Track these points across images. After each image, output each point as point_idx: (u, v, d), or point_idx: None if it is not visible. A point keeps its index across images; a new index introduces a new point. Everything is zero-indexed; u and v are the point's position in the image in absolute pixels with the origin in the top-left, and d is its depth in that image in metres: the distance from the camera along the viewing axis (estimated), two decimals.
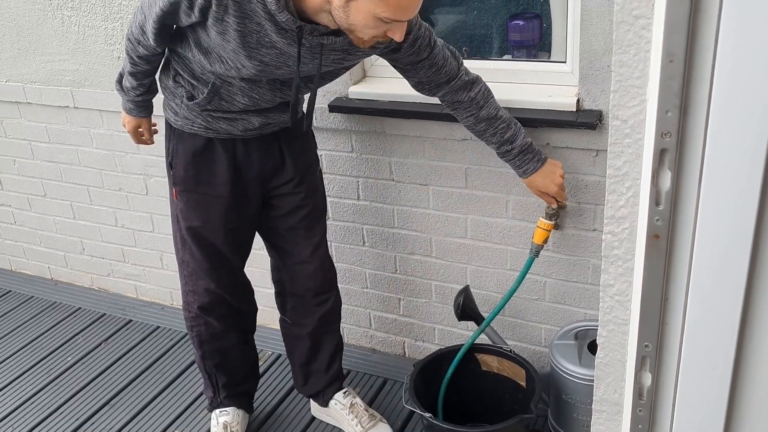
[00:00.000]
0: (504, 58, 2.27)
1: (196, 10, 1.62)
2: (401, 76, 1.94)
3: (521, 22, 2.20)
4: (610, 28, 1.85)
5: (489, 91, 1.93)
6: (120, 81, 2.00)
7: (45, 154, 3.09)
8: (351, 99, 2.33)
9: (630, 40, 0.86)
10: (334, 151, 2.43)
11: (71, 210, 3.19)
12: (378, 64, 2.34)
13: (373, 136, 2.36)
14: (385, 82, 2.32)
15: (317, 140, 2.24)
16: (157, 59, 1.90)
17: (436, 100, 1.99)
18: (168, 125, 1.99)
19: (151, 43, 1.78)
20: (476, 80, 1.92)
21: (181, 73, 1.88)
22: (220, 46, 1.70)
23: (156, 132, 2.18)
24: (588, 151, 2.05)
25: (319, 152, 2.27)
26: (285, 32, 1.65)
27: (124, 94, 2.01)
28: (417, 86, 1.93)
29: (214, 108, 1.88)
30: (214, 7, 1.60)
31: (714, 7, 0.78)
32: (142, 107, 2.05)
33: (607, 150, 0.95)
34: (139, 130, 2.12)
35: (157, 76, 1.99)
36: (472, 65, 2.21)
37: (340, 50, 1.75)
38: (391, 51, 1.82)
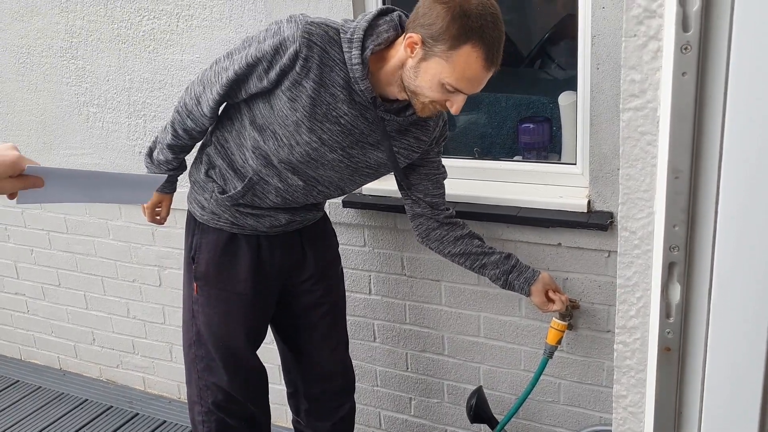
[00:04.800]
0: (515, 159, 2.31)
1: (274, 73, 1.63)
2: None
3: (531, 125, 2.25)
4: (618, 133, 1.89)
5: None
6: (150, 155, 1.99)
7: (62, 244, 3.14)
8: (364, 195, 2.37)
9: (636, 155, 0.89)
10: (347, 245, 2.45)
11: (84, 300, 3.20)
12: None
13: (385, 231, 2.38)
14: None
15: None
16: (199, 136, 1.91)
17: (450, 198, 2.02)
18: (191, 219, 1.98)
19: (206, 113, 1.79)
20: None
21: (219, 164, 1.88)
22: (282, 118, 1.70)
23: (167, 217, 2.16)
24: (600, 252, 2.05)
25: None
26: (355, 104, 1.68)
27: (154, 167, 1.99)
28: (419, 208, 1.97)
29: (246, 203, 1.88)
30: (297, 68, 1.62)
31: (716, 126, 0.80)
32: (168, 182, 2.03)
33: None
34: (158, 209, 2.09)
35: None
36: (483, 165, 2.27)
37: (396, 131, 1.78)
38: (425, 153, 1.88)
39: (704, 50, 0.78)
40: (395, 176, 1.92)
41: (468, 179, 2.27)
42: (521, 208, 2.11)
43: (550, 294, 2.00)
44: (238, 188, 1.85)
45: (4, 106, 3.00)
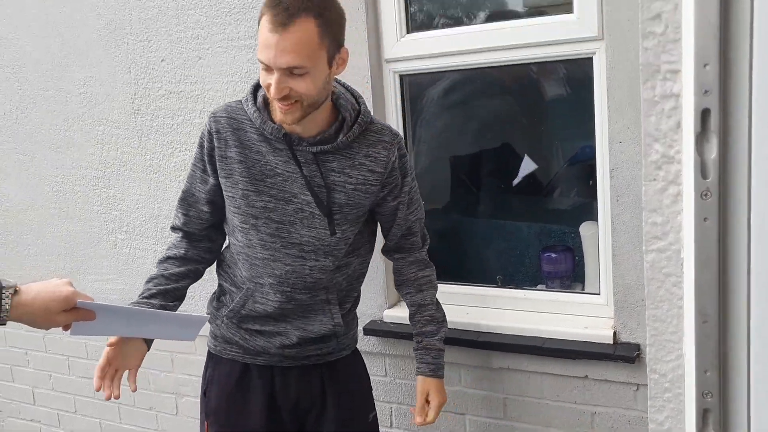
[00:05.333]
0: (537, 287, 2.30)
1: (208, 165, 1.77)
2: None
3: (553, 254, 2.25)
4: (641, 263, 1.88)
5: (433, 283, 1.95)
6: None
7: (81, 370, 3.11)
8: (386, 323, 2.35)
9: (662, 296, 0.88)
10: None
11: (99, 428, 3.13)
12: None
13: (407, 360, 2.34)
14: None
15: None
16: (172, 268, 1.87)
17: (473, 326, 2.06)
18: (208, 354, 1.96)
19: (179, 243, 1.88)
20: (430, 266, 1.96)
21: (227, 288, 1.90)
22: (233, 202, 1.77)
23: (135, 389, 1.79)
24: (628, 385, 1.99)
25: None
26: (279, 151, 1.73)
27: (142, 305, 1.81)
28: (388, 237, 1.92)
29: (250, 314, 1.83)
30: (216, 143, 1.74)
31: (742, 270, 0.80)
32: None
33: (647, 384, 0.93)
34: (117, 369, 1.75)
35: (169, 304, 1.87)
36: (506, 294, 2.25)
37: (348, 167, 1.75)
38: (392, 191, 1.83)
39: (724, 196, 0.79)
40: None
41: (490, 308, 2.25)
42: (546, 339, 2.08)
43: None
44: (237, 297, 1.85)
45: (35, 232, 3.07)
